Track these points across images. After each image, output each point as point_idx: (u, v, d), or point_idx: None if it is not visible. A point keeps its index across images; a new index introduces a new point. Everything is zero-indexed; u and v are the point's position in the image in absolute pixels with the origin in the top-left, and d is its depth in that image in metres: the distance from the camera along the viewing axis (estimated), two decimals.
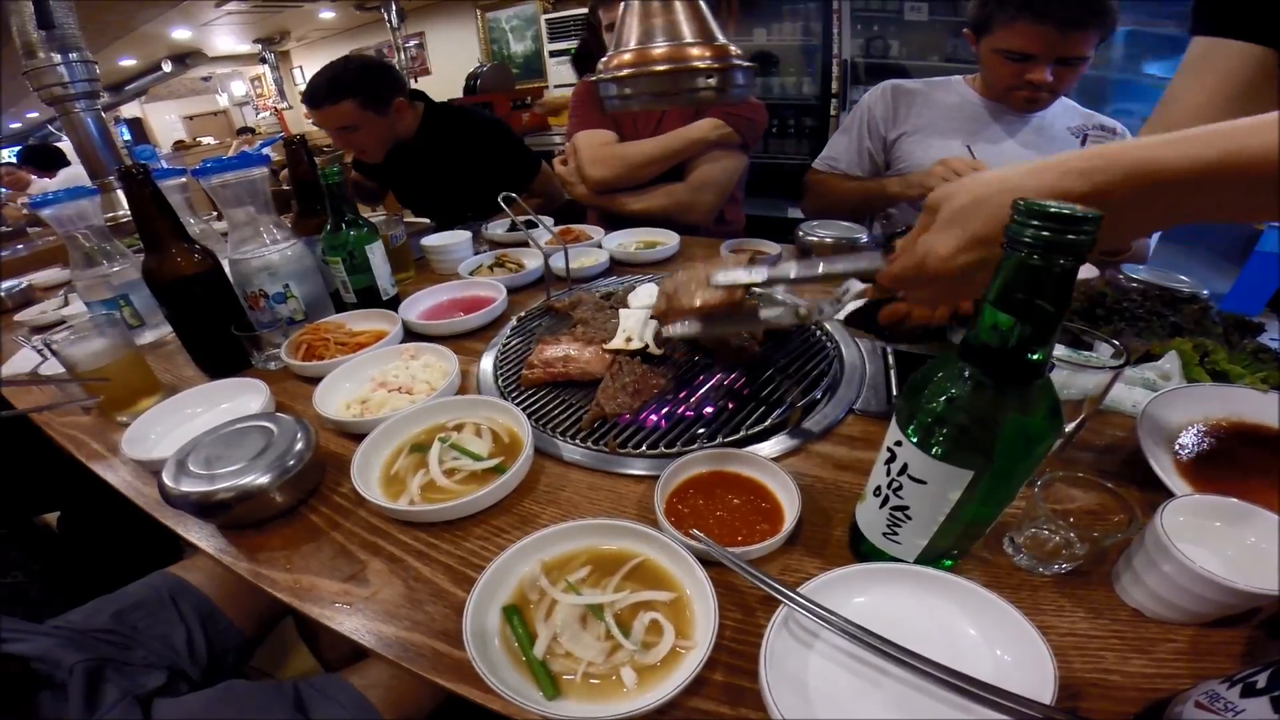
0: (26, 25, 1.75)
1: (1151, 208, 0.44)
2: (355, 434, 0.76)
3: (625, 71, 0.61)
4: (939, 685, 0.41)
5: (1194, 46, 0.70)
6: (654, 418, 0.76)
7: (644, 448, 0.71)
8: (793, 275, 0.63)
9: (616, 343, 0.87)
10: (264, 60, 7.71)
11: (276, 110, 8.56)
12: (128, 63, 6.74)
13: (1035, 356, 0.37)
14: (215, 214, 1.66)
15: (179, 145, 7.90)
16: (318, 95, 1.58)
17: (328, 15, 6.29)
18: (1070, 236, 0.33)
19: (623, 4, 0.62)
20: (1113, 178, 0.43)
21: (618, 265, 1.35)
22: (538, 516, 0.64)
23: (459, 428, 0.75)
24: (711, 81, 0.60)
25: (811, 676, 0.44)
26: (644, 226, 1.52)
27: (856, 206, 1.46)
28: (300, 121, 8.62)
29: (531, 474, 0.70)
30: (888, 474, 0.46)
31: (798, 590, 0.46)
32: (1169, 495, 0.51)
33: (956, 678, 0.40)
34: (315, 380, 0.88)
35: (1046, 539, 0.53)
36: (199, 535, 0.66)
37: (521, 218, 1.15)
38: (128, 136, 7.98)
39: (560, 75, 4.46)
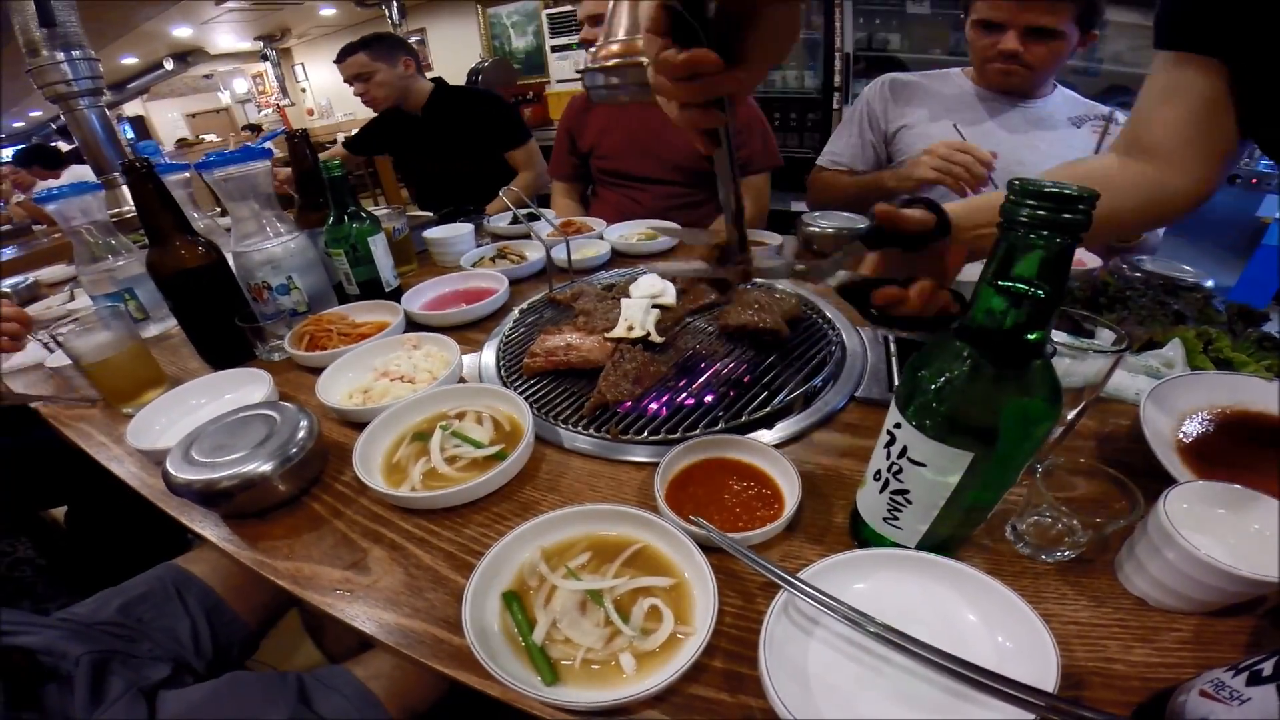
0: (29, 23, 1.76)
1: None
2: (358, 423, 0.77)
3: (613, 62, 0.60)
4: (940, 672, 0.41)
5: (1156, 61, 0.71)
6: (655, 405, 0.76)
7: (645, 434, 0.71)
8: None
9: (618, 331, 0.87)
10: (265, 57, 7.72)
11: (279, 107, 8.57)
12: (129, 61, 6.75)
13: (1033, 337, 0.37)
14: (219, 209, 1.67)
15: (182, 143, 7.92)
16: (343, 51, 2.04)
17: (328, 12, 6.30)
18: (1066, 215, 0.33)
19: None
20: None
21: (619, 257, 1.35)
22: (538, 503, 0.64)
23: (460, 416, 0.75)
24: None
25: (812, 663, 0.44)
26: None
27: (857, 202, 1.45)
28: (303, 118, 8.63)
29: (532, 461, 0.70)
30: (887, 457, 0.46)
31: (797, 575, 0.46)
32: (1172, 483, 0.51)
33: (958, 664, 0.40)
34: (318, 370, 0.88)
35: (1049, 526, 0.53)
36: (203, 525, 0.67)
37: (523, 210, 1.15)
38: (131, 134, 7.99)
39: (561, 71, 4.45)
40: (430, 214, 1.88)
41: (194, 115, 9.36)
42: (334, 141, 6.67)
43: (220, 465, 0.64)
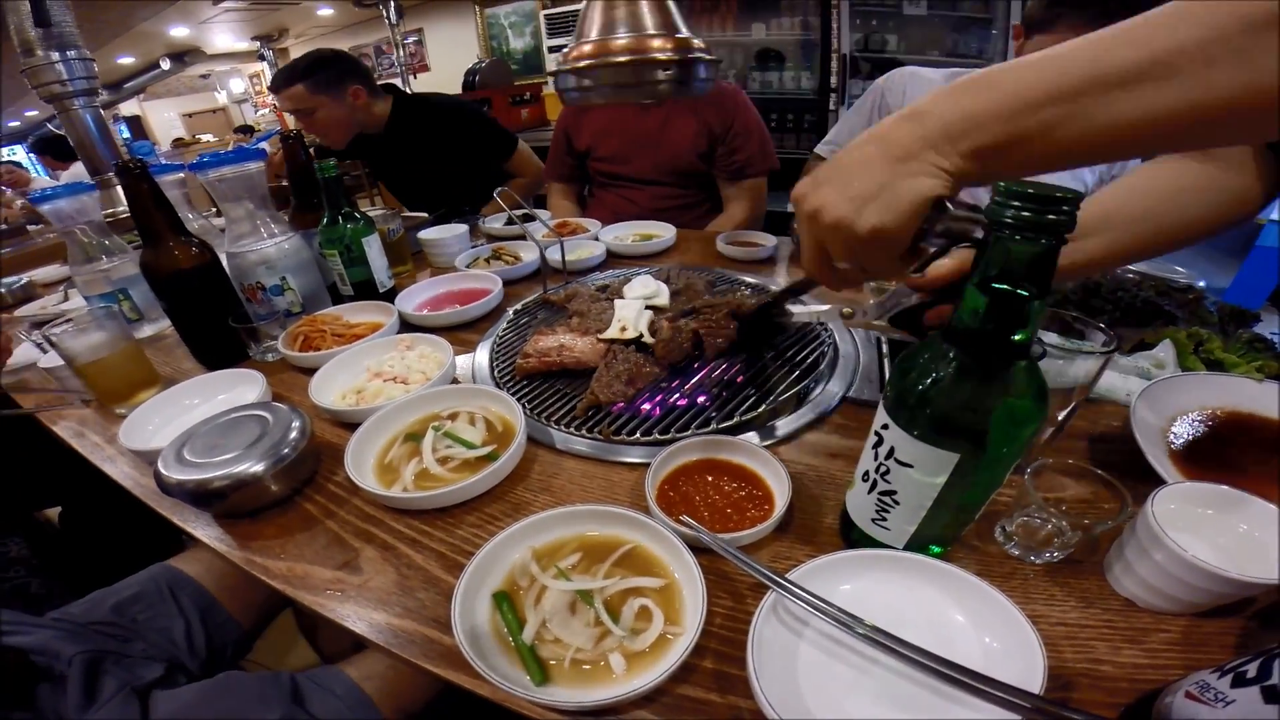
0: (24, 23, 1.75)
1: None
2: (350, 423, 0.77)
3: (585, 63, 0.60)
4: (927, 673, 0.41)
5: None
6: (647, 406, 0.76)
7: (637, 435, 0.71)
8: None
9: (611, 332, 0.87)
10: (262, 57, 7.70)
11: (275, 108, 8.56)
12: (126, 61, 6.74)
13: (1019, 337, 0.37)
14: (214, 210, 1.67)
15: (178, 143, 7.90)
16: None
17: (326, 12, 6.28)
18: (1050, 216, 0.33)
19: None
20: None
21: (614, 258, 1.35)
22: (530, 504, 0.64)
23: (453, 416, 0.75)
24: (671, 74, 0.60)
25: (800, 663, 0.44)
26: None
27: None
28: None
29: (524, 462, 0.70)
30: (875, 458, 0.46)
31: (786, 576, 0.46)
32: (1162, 484, 0.51)
33: (944, 665, 0.40)
34: (312, 371, 0.88)
35: (1038, 527, 0.53)
36: (195, 525, 0.67)
37: (518, 211, 1.15)
38: (127, 134, 7.98)
39: None
40: (425, 215, 1.87)
41: (190, 115, 9.35)
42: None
43: (212, 465, 0.64)
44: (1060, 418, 0.59)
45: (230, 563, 0.62)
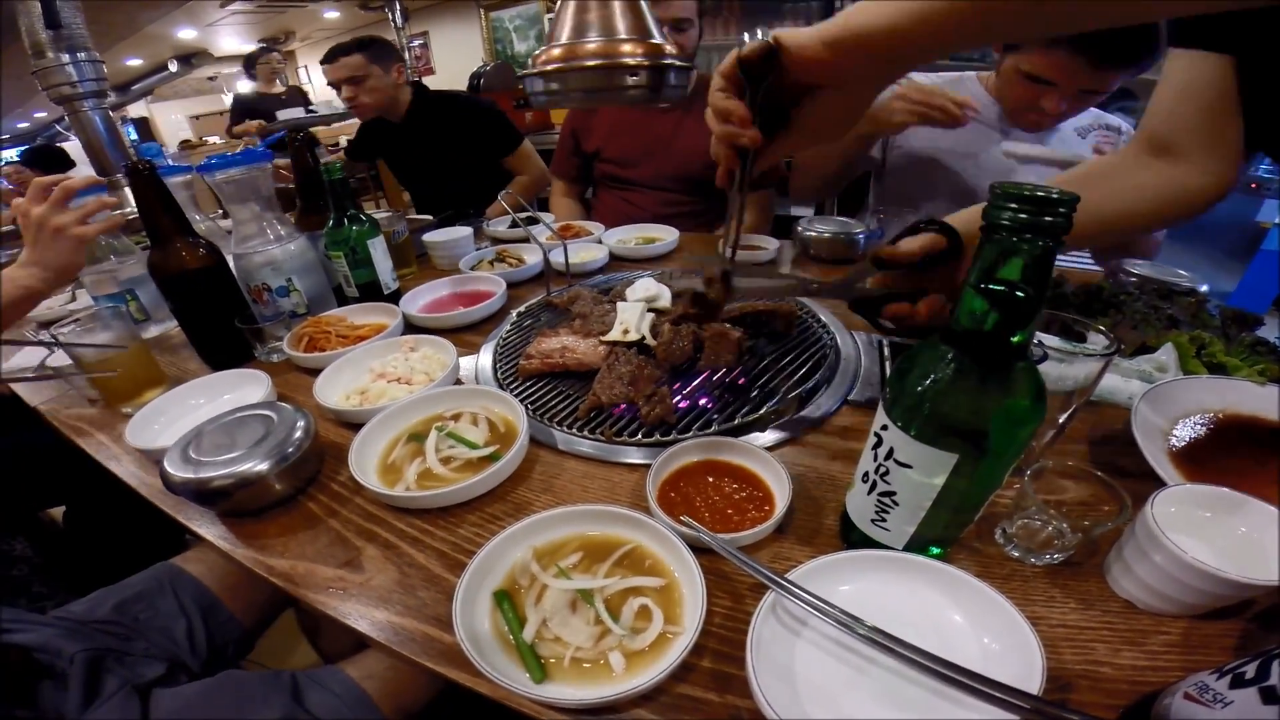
0: (35, 25, 1.77)
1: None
2: (354, 423, 0.77)
3: (553, 66, 0.60)
4: (925, 673, 0.41)
5: (1171, 59, 0.72)
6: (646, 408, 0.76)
7: (639, 436, 0.72)
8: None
9: (614, 334, 0.87)
10: None
11: None
12: (134, 63, 6.79)
13: (1016, 339, 0.37)
14: (220, 211, 1.68)
15: (185, 145, 7.93)
16: (335, 50, 1.97)
17: (332, 15, 6.32)
18: (1047, 218, 0.33)
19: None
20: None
21: (617, 261, 1.36)
22: (531, 504, 0.65)
23: (456, 417, 0.76)
24: (640, 79, 0.60)
25: (799, 663, 0.45)
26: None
27: (837, 166, 1.40)
28: None
29: (526, 462, 0.70)
30: (875, 459, 0.46)
31: (785, 576, 0.47)
32: (1162, 486, 0.51)
33: (943, 666, 0.40)
34: (316, 372, 0.89)
35: (1038, 529, 0.53)
36: (199, 524, 0.67)
37: (522, 214, 1.16)
38: (134, 136, 8.02)
39: None
40: (430, 217, 1.88)
41: (197, 117, 9.38)
42: (336, 145, 6.71)
43: (217, 464, 0.64)
44: (1061, 420, 0.59)
45: (233, 561, 0.63)
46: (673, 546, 0.53)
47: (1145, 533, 0.46)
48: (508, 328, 1.03)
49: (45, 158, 3.93)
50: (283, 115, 4.66)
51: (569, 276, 1.21)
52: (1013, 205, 0.34)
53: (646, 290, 0.99)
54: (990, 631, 0.44)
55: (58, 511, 1.43)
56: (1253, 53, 0.65)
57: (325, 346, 0.97)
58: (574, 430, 0.74)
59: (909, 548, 0.49)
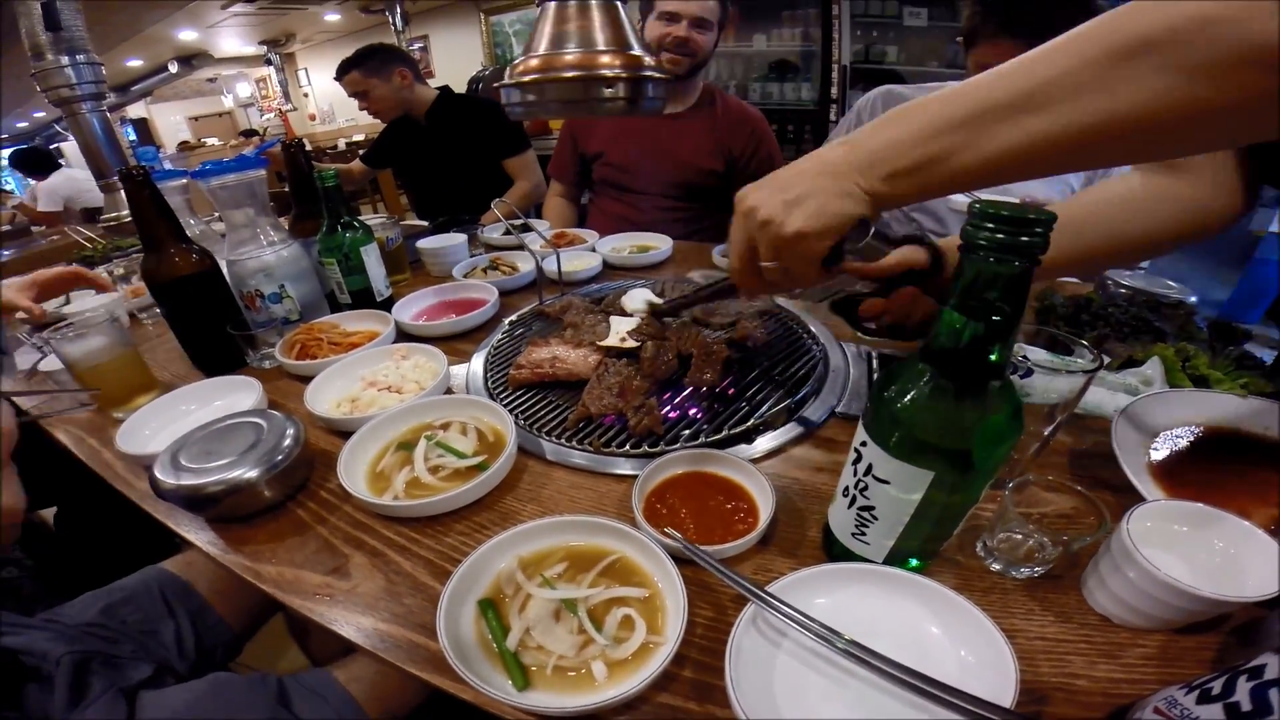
0: (35, 27, 1.78)
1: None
2: (345, 431, 0.77)
3: (530, 77, 0.60)
4: (901, 686, 0.41)
5: None
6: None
7: (626, 448, 0.72)
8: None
9: (610, 340, 0.88)
10: (269, 62, 7.78)
11: (281, 112, 8.62)
12: (134, 63, 6.80)
13: (994, 358, 0.38)
14: (216, 215, 1.68)
15: (184, 146, 7.95)
16: (340, 69, 2.10)
17: (332, 18, 6.34)
18: (1024, 238, 0.34)
19: (539, 9, 0.61)
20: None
21: (610, 269, 1.37)
22: (518, 513, 0.65)
23: (445, 426, 0.76)
24: (620, 91, 0.60)
25: (778, 675, 0.45)
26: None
27: None
28: (304, 123, 8.68)
29: (514, 472, 0.71)
30: (854, 474, 0.47)
31: (766, 589, 0.47)
32: (1140, 501, 0.52)
33: (918, 679, 0.41)
34: (308, 379, 0.89)
35: (1019, 542, 0.54)
36: (188, 529, 0.67)
37: (516, 221, 1.16)
38: (133, 137, 8.03)
39: None
40: (425, 223, 1.89)
41: (197, 118, 9.40)
42: (334, 147, 6.72)
43: (207, 471, 0.65)
44: (1045, 433, 0.60)
45: (222, 566, 0.63)
46: (656, 558, 0.53)
47: (1120, 548, 0.46)
48: (499, 336, 1.03)
49: (32, 160, 3.96)
50: None
51: (562, 285, 1.22)
52: (990, 225, 0.34)
53: (646, 300, 0.99)
54: (967, 644, 0.44)
55: (49, 513, 1.42)
56: None
57: (317, 354, 0.98)
58: (562, 441, 0.75)
59: (889, 561, 0.50)
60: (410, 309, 1.15)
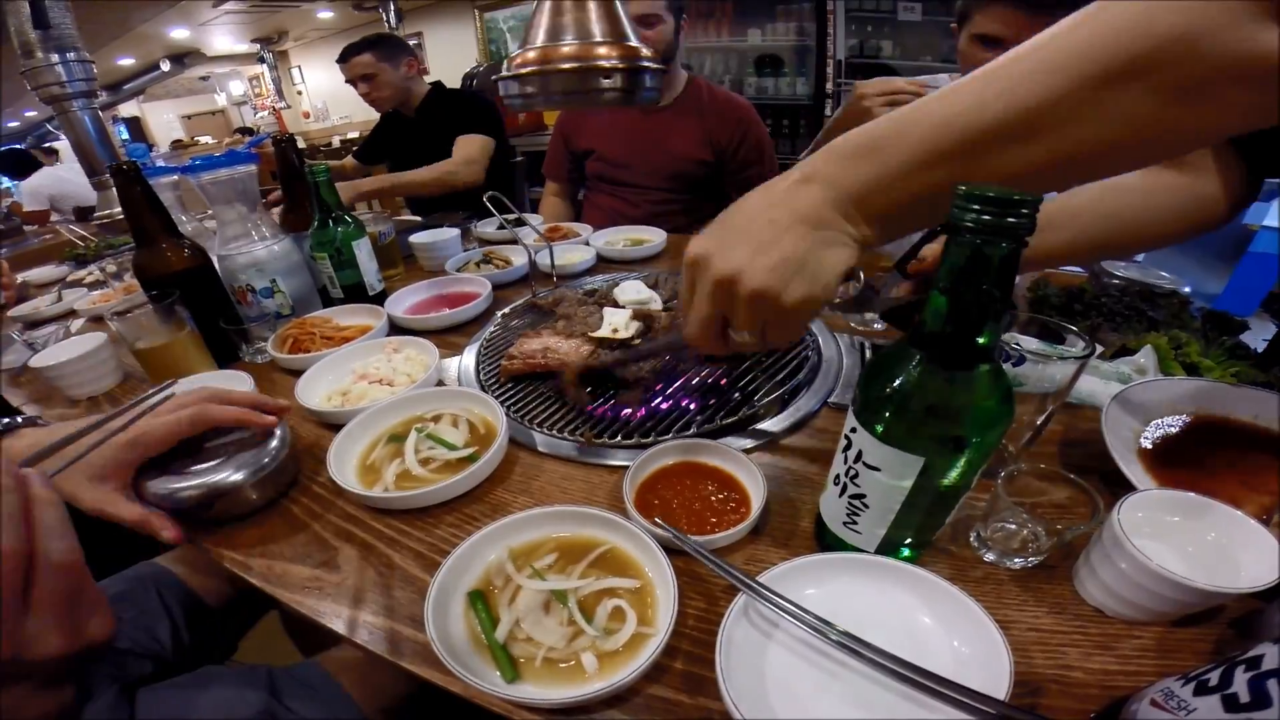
0: (24, 25, 1.76)
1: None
2: (335, 424, 0.77)
3: (527, 69, 0.60)
4: (894, 678, 0.41)
5: None
6: (629, 410, 0.76)
7: (618, 438, 0.72)
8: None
9: (603, 331, 0.88)
10: (262, 60, 7.74)
11: (274, 110, 8.58)
12: (126, 62, 6.76)
13: (982, 341, 0.37)
14: (208, 212, 1.67)
15: (177, 144, 7.92)
16: (348, 50, 2.08)
17: (326, 15, 6.32)
18: (1010, 219, 0.33)
19: (536, 1, 0.61)
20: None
21: (604, 263, 1.36)
22: (509, 505, 0.65)
23: (436, 418, 0.76)
24: (617, 82, 0.60)
25: (769, 666, 0.45)
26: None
27: None
28: (298, 121, 8.64)
29: (505, 464, 0.71)
30: (845, 461, 0.46)
31: (757, 579, 0.47)
32: (1131, 490, 0.51)
33: (911, 670, 0.40)
34: (300, 373, 0.89)
35: (1013, 532, 0.53)
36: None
37: (510, 215, 1.16)
38: (126, 135, 8.00)
39: None
40: (419, 218, 1.89)
41: (190, 117, 9.36)
42: (329, 144, 6.70)
43: (192, 475, 0.64)
44: (1038, 422, 0.60)
45: (213, 561, 0.63)
46: (647, 548, 0.53)
47: (1111, 538, 0.46)
48: (491, 329, 1.03)
49: (10, 161, 3.97)
50: None
51: (555, 278, 1.21)
52: (976, 206, 0.34)
53: (638, 293, 0.99)
54: (960, 635, 0.44)
55: None
56: None
57: (310, 348, 0.97)
58: (553, 432, 0.74)
59: (880, 550, 0.49)
60: (403, 303, 1.15)
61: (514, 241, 1.42)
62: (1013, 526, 0.53)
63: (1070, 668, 0.45)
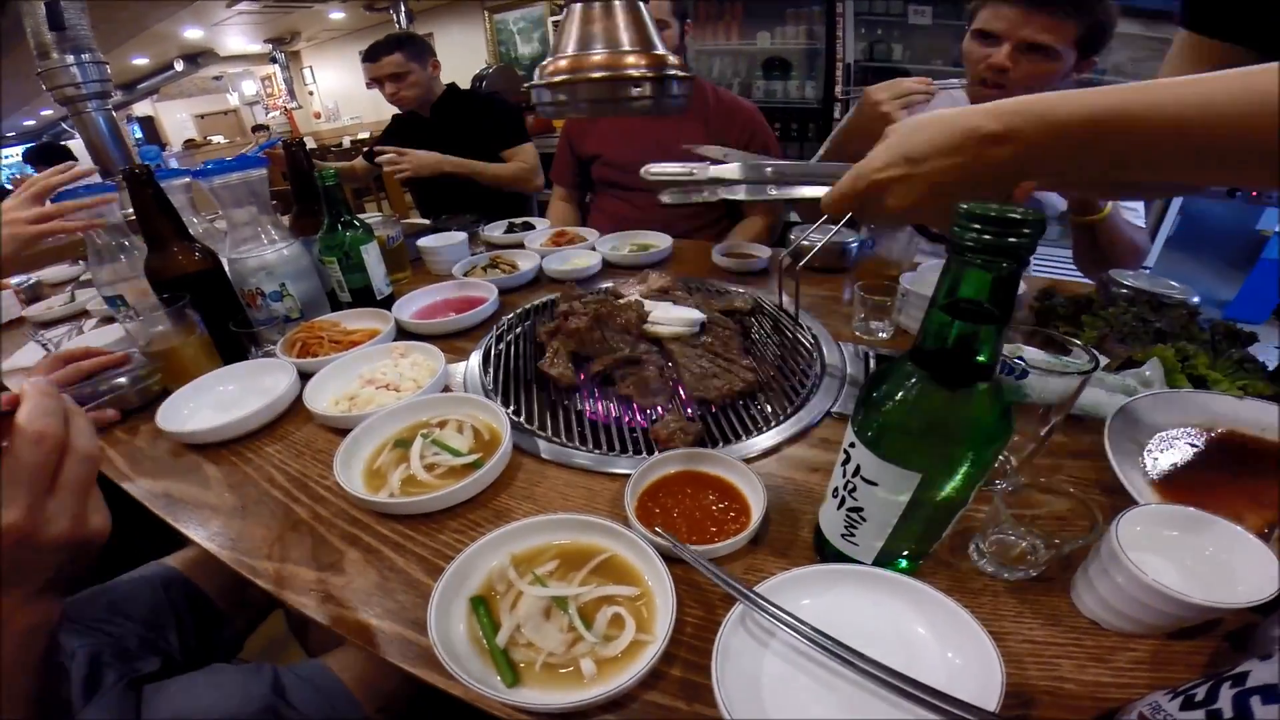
0: (40, 26, 1.79)
1: (1072, 157, 0.47)
2: (343, 429, 0.78)
3: (560, 78, 0.61)
4: (886, 688, 0.41)
5: (1179, 39, 0.71)
6: (639, 418, 0.77)
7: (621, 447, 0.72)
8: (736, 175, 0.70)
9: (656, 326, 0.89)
10: (274, 60, 7.80)
11: (286, 110, 8.64)
12: (140, 61, 6.81)
13: (982, 359, 0.38)
14: (218, 213, 1.69)
15: (190, 144, 8.00)
16: (378, 49, 2.05)
17: (337, 16, 6.35)
18: (1011, 239, 0.33)
19: (565, 10, 0.63)
20: (1021, 120, 0.47)
21: (610, 268, 1.37)
22: (512, 511, 0.65)
23: (442, 424, 0.77)
24: (645, 90, 0.61)
25: (765, 675, 0.45)
26: None
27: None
28: (309, 121, 8.70)
29: (509, 470, 0.71)
30: (844, 475, 0.47)
31: (754, 589, 0.47)
32: (1131, 504, 0.51)
33: (901, 680, 0.41)
34: (308, 376, 0.89)
35: (1012, 544, 0.53)
36: (188, 525, 0.68)
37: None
38: (139, 135, 8.07)
39: None
40: (427, 221, 1.90)
41: (203, 116, 9.43)
42: (339, 144, 6.74)
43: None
44: (1042, 434, 0.60)
45: (221, 562, 0.64)
46: (647, 556, 0.53)
47: (1108, 552, 0.46)
48: (497, 334, 1.03)
49: (47, 155, 4.00)
50: None
51: (561, 283, 1.22)
52: (977, 226, 0.34)
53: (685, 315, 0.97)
54: (954, 646, 0.45)
55: None
56: (1273, 49, 0.64)
57: (318, 352, 0.98)
58: (557, 439, 0.75)
59: (878, 562, 0.50)
60: (410, 307, 1.16)
61: (521, 246, 1.42)
62: (1012, 539, 0.53)
63: (1064, 680, 0.45)
